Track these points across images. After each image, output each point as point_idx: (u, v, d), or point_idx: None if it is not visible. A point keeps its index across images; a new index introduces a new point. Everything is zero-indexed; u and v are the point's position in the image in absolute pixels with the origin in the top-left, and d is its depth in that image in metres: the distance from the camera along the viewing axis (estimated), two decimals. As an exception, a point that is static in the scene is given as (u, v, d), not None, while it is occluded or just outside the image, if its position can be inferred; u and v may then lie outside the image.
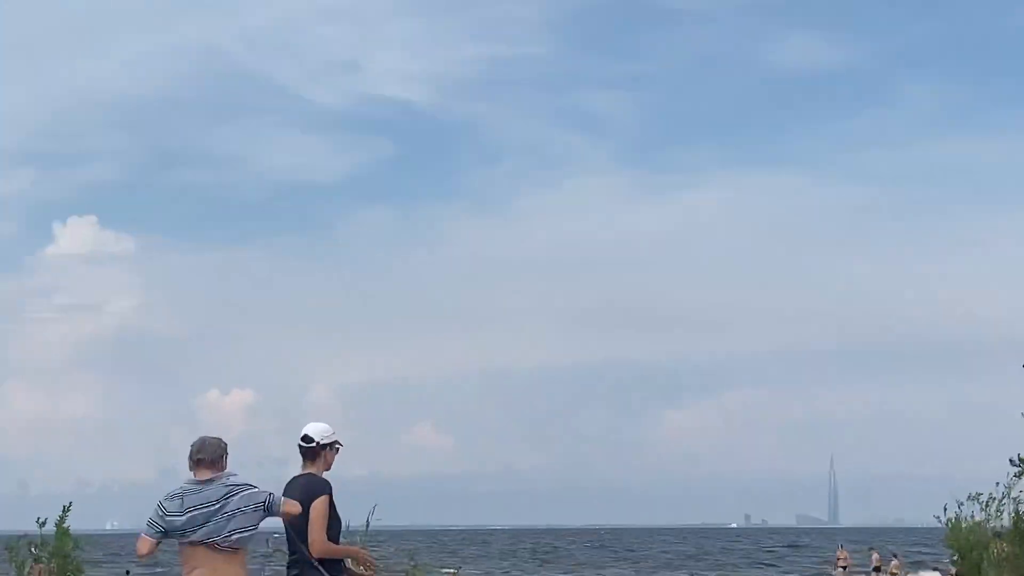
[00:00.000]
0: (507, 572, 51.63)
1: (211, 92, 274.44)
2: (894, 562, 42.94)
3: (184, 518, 5.79)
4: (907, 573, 42.15)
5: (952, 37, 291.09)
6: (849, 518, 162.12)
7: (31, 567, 11.56)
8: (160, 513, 5.89)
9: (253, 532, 5.94)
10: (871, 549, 52.25)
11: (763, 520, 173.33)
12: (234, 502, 5.86)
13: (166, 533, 5.87)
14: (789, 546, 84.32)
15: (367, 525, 9.58)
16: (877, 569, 44.77)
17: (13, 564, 11.79)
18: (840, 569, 44.44)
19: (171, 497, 5.89)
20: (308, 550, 6.22)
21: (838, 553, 48.41)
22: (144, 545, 5.98)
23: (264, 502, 5.92)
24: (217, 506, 5.84)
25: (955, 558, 17.76)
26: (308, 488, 6.34)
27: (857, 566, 48.53)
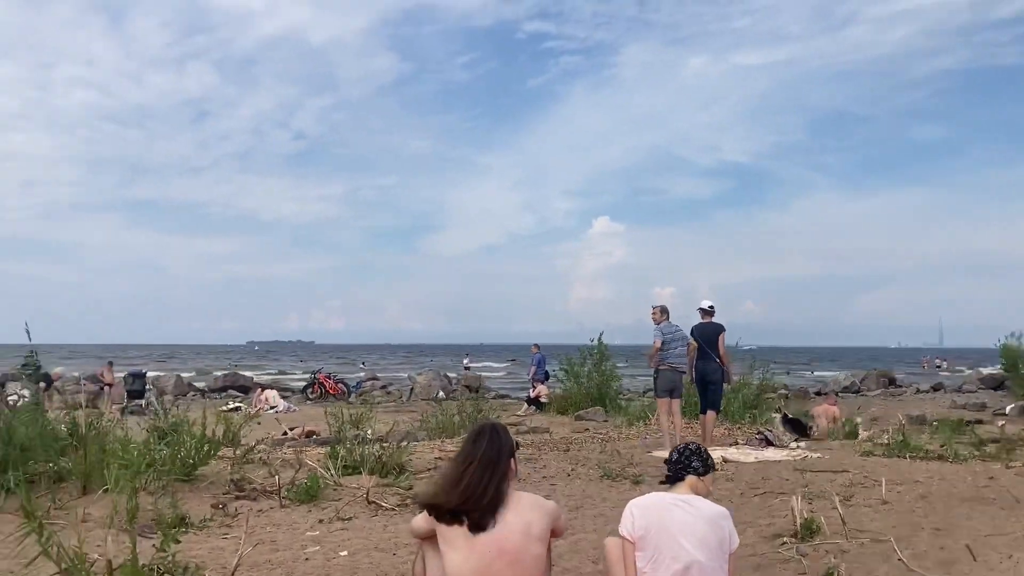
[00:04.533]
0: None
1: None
2: (943, 363, 63.95)
3: (673, 337, 11.32)
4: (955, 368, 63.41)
5: None
6: (951, 342, 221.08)
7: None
8: (664, 328, 11.37)
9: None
10: (924, 358, 74.17)
11: (904, 343, 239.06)
12: (683, 333, 11.51)
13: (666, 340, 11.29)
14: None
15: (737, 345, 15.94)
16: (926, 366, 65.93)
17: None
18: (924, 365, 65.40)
19: (667, 326, 11.36)
20: (716, 355, 11.56)
21: (923, 362, 69.85)
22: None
23: (687, 338, 11.55)
24: (680, 334, 11.49)
25: (1003, 362, 30.22)
26: (716, 327, 11.67)
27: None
